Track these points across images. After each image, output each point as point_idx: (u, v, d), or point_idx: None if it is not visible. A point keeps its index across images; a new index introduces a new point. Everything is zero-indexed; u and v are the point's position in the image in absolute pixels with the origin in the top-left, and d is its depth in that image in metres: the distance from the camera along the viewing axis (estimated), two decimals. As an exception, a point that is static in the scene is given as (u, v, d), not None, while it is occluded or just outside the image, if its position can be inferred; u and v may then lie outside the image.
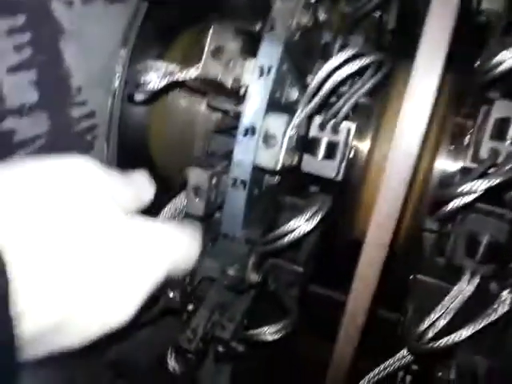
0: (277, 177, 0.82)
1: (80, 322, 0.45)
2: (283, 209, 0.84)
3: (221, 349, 0.80)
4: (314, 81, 0.61)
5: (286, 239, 0.61)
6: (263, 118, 0.67)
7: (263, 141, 0.64)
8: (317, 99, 0.63)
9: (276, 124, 0.63)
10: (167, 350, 1.16)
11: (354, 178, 0.97)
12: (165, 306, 0.78)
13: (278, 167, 0.64)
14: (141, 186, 0.60)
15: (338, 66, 0.62)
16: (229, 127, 1.04)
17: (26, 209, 0.41)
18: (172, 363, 1.03)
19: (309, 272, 0.94)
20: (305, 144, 0.73)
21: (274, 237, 0.64)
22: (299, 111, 0.63)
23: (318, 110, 0.71)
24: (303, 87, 0.84)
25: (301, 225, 0.60)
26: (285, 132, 0.63)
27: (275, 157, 0.63)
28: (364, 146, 0.98)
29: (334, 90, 0.68)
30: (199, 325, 0.88)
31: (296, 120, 0.63)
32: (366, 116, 0.90)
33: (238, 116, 0.83)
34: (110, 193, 0.50)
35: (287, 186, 0.92)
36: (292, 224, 0.60)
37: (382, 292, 0.59)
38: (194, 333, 0.87)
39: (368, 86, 0.67)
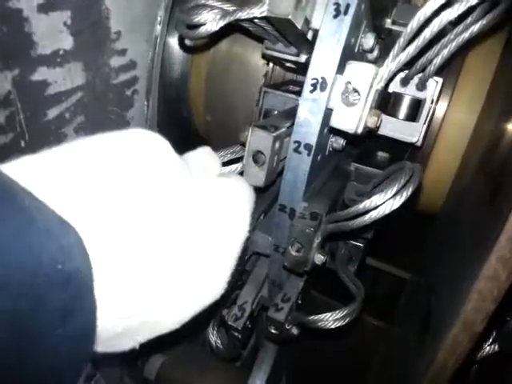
0: (342, 140, 0.71)
1: (172, 305, 0.42)
2: (350, 179, 0.72)
3: (273, 330, 0.72)
4: (411, 24, 0.48)
5: (368, 218, 0.51)
6: (336, 70, 0.55)
7: (342, 97, 0.52)
8: (413, 48, 0.50)
9: (360, 76, 0.50)
10: (204, 321, 1.11)
11: (426, 144, 0.85)
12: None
13: (360, 130, 0.52)
14: (207, 161, 0.58)
15: (442, 6, 0.49)
16: (287, 81, 0.92)
17: (103, 187, 0.39)
18: (213, 337, 0.97)
19: (369, 246, 0.84)
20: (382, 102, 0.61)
21: (351, 214, 0.53)
22: (389, 60, 0.51)
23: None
24: (379, 33, 0.71)
25: (386, 200, 0.49)
26: (371, 86, 0.50)
27: (358, 117, 0.51)
28: (439, 107, 0.85)
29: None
30: (247, 302, 0.81)
31: (386, 71, 0.51)
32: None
33: (302, 67, 0.71)
34: (181, 164, 0.48)
35: (352, 152, 0.81)
36: (376, 199, 0.49)
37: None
38: (242, 310, 0.80)
39: (475, 29, 0.54)
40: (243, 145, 0.62)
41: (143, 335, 0.43)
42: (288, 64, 0.77)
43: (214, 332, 0.97)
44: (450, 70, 0.81)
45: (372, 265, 1.64)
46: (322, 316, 0.65)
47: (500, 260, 0.34)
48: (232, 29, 0.88)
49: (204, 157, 0.58)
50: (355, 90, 0.51)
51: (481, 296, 0.36)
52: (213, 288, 0.47)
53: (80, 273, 0.34)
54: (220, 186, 0.51)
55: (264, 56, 0.85)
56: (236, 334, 0.79)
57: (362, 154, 0.77)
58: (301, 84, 0.59)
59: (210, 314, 0.94)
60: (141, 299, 0.39)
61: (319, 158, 0.66)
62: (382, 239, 1.04)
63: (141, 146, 0.44)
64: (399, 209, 0.50)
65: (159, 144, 0.46)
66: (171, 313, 0.43)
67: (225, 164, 0.64)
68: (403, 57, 0.50)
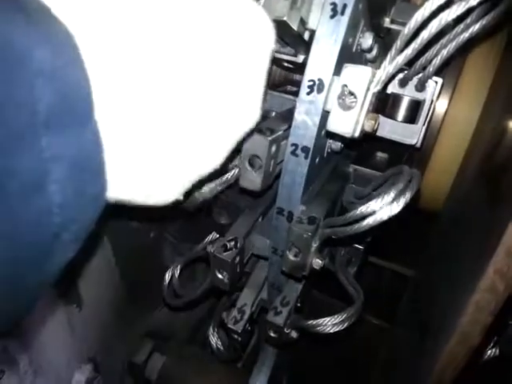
0: (340, 143, 0.70)
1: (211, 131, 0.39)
2: (348, 181, 0.71)
3: (273, 334, 0.71)
4: (408, 26, 0.47)
5: (365, 224, 0.50)
6: (333, 71, 0.54)
7: (338, 100, 0.51)
8: (410, 50, 0.49)
9: (357, 79, 0.49)
10: (203, 323, 1.10)
11: (426, 144, 0.84)
12: (212, 286, 0.70)
13: (357, 134, 0.51)
14: None
15: (440, 7, 0.47)
16: (285, 81, 0.91)
17: None
18: (214, 339, 0.97)
19: (368, 248, 0.83)
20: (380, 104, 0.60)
21: (348, 220, 0.52)
22: (387, 62, 0.50)
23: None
24: (378, 32, 0.70)
25: (384, 206, 0.48)
26: (368, 89, 0.49)
27: (354, 120, 0.50)
28: (438, 108, 0.84)
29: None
30: (246, 304, 0.80)
31: (383, 74, 0.50)
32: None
33: (299, 68, 0.70)
34: None
35: (351, 153, 0.80)
36: (373, 205, 0.48)
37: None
38: (242, 313, 0.79)
39: (475, 29, 0.52)
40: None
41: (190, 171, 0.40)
42: (286, 64, 0.76)
43: (215, 333, 0.97)
44: (450, 70, 0.80)
45: (374, 262, 1.63)
46: (320, 320, 0.64)
47: (498, 272, 0.33)
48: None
49: None
50: (352, 94, 0.50)
51: (478, 308, 0.35)
52: (251, 106, 0.44)
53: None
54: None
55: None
56: (236, 336, 0.79)
57: (360, 155, 0.76)
58: (299, 84, 0.58)
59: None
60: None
61: (317, 160, 0.65)
62: (385, 237, 1.04)
63: None
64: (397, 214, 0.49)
65: None
66: (213, 141, 0.41)
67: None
68: (401, 59, 0.49)
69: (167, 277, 0.85)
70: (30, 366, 0.75)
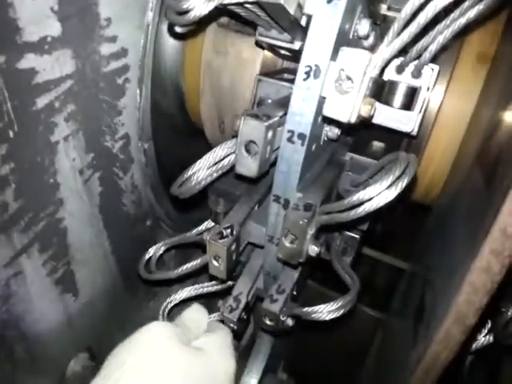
0: (337, 130, 0.70)
1: None
2: (345, 169, 0.71)
3: (269, 322, 0.71)
4: (405, 10, 0.47)
5: (362, 210, 0.50)
6: (330, 57, 0.54)
7: (335, 84, 0.51)
8: (407, 34, 0.49)
9: (354, 62, 0.49)
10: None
11: (422, 133, 0.84)
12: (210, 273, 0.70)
13: (354, 119, 0.51)
14: (197, 317, 0.79)
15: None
16: (281, 69, 0.91)
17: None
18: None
19: (364, 237, 0.83)
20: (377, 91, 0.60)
21: (345, 206, 0.52)
22: (383, 46, 0.50)
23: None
24: (375, 19, 0.70)
25: (381, 192, 0.48)
26: (364, 73, 0.49)
27: (351, 105, 0.50)
28: (434, 96, 0.84)
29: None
30: (242, 293, 0.80)
31: (380, 58, 0.49)
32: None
33: (295, 56, 0.70)
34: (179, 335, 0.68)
35: (347, 142, 0.80)
36: (370, 191, 0.48)
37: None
38: (237, 301, 0.79)
39: (472, 15, 0.52)
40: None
41: None
42: (282, 51, 0.75)
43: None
44: (446, 57, 0.79)
45: (370, 255, 1.64)
46: (316, 308, 0.65)
47: (493, 252, 0.34)
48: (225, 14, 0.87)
49: (194, 314, 0.79)
50: (348, 78, 0.50)
51: (473, 289, 0.35)
52: None
53: None
54: (215, 355, 0.69)
55: (258, 43, 0.84)
56: (231, 325, 0.79)
57: (357, 143, 0.76)
58: (295, 72, 0.58)
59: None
60: None
61: (313, 147, 0.65)
62: (380, 230, 1.04)
63: (155, 346, 0.64)
64: (394, 200, 0.49)
65: (164, 337, 0.66)
66: None
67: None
68: (398, 43, 0.49)
69: (149, 252, 0.87)
70: (26, 353, 0.75)
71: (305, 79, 0.56)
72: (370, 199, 0.49)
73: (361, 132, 0.78)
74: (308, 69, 0.56)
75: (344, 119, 0.51)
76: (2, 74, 0.57)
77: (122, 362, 0.62)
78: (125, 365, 0.61)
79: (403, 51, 0.59)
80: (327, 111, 0.52)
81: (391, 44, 0.49)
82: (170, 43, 0.91)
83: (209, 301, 1.04)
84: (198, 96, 0.99)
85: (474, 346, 0.63)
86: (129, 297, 0.99)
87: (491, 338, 0.64)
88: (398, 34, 0.49)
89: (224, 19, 0.87)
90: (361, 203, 0.50)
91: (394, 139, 0.75)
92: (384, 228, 1.09)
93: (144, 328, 0.67)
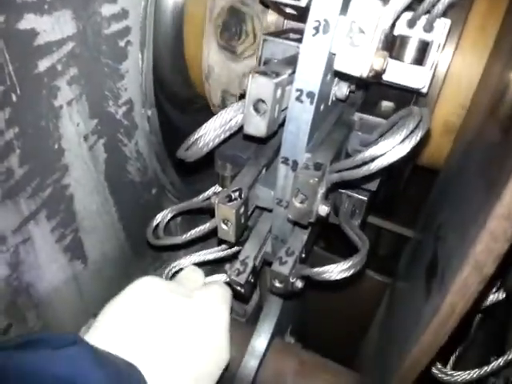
0: (345, 89, 0.68)
1: None
2: (353, 129, 0.70)
3: (278, 284, 0.72)
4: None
5: (374, 166, 0.49)
6: (340, 11, 0.52)
7: (346, 38, 0.49)
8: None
9: (366, 13, 0.47)
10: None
11: (431, 92, 0.82)
12: (219, 237, 0.70)
13: (366, 73, 0.49)
14: (193, 276, 0.84)
15: None
16: (287, 29, 0.88)
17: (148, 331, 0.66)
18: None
19: (372, 200, 0.83)
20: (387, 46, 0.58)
21: (356, 162, 0.51)
22: (397, -5, 0.48)
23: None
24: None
25: (395, 146, 0.47)
26: (377, 25, 0.48)
27: (363, 58, 0.48)
28: (444, 54, 0.82)
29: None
30: (249, 256, 0.80)
31: (392, 9, 0.48)
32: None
33: (300, 14, 0.68)
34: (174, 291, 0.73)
35: (355, 102, 0.79)
36: (383, 146, 0.47)
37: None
38: (244, 265, 0.79)
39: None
40: (244, 96, 0.60)
41: None
42: (288, 10, 0.73)
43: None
44: (456, 14, 0.77)
45: (375, 223, 1.64)
46: (326, 268, 0.65)
47: (514, 199, 0.33)
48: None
49: (189, 273, 0.84)
50: (360, 30, 0.48)
51: (493, 236, 0.35)
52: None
53: None
54: (204, 303, 0.74)
55: (262, 1, 0.81)
56: (239, 288, 0.79)
57: (365, 103, 0.75)
58: (301, 32, 0.56)
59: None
60: None
61: (322, 107, 0.64)
62: (386, 197, 1.03)
63: (150, 300, 0.70)
64: (406, 157, 0.49)
65: (159, 291, 0.71)
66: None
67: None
68: (412, -9, 0.47)
69: (157, 218, 0.88)
70: (38, 320, 0.75)
71: (314, 35, 0.55)
72: (383, 154, 0.48)
73: (370, 91, 0.77)
74: (317, 23, 0.54)
75: (356, 73, 0.49)
76: (2, 35, 0.55)
77: (109, 311, 0.68)
78: (110, 311, 0.67)
79: (414, 6, 0.57)
80: (339, 65, 0.51)
81: (404, -6, 0.47)
82: (171, 3, 0.89)
83: (213, 269, 1.05)
84: (200, 60, 0.97)
85: (484, 302, 0.64)
86: (136, 263, 1.00)
87: (501, 294, 0.64)
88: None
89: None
90: (373, 159, 0.49)
91: (404, 98, 0.74)
92: (390, 194, 1.08)
93: (134, 282, 0.72)
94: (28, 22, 0.58)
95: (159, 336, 0.66)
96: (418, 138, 0.47)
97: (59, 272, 0.77)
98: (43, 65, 0.62)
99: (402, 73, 0.61)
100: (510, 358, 0.61)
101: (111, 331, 0.65)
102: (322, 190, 0.58)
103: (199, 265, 0.89)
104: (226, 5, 0.89)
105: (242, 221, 0.69)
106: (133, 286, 0.72)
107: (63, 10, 0.63)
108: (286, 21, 0.88)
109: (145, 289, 0.71)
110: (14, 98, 0.60)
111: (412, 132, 0.47)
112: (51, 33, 0.62)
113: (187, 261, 0.88)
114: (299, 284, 0.73)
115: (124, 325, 0.66)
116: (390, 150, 0.47)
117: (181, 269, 0.88)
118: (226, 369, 0.76)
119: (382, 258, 1.72)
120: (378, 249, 1.77)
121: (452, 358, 0.79)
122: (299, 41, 0.67)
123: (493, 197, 0.35)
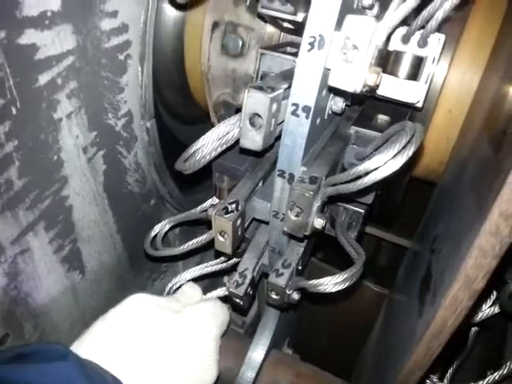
0: (341, 103, 0.69)
1: None
2: (349, 142, 0.71)
3: (274, 296, 0.72)
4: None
5: (368, 179, 0.49)
6: (335, 27, 0.53)
7: (340, 53, 0.50)
8: (412, 0, 0.48)
9: (359, 30, 0.48)
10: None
11: (427, 106, 0.83)
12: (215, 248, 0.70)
13: (360, 88, 0.50)
14: (190, 293, 0.85)
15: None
16: (284, 43, 0.90)
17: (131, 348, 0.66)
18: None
19: (369, 212, 0.83)
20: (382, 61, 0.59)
21: (351, 176, 0.52)
22: (389, 13, 0.49)
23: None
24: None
25: (387, 161, 0.48)
26: (370, 41, 0.48)
27: (356, 74, 0.49)
28: (439, 69, 0.83)
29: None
30: (247, 269, 0.81)
31: (386, 25, 0.49)
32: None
33: (297, 28, 0.69)
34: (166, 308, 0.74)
35: (351, 116, 0.79)
36: (376, 160, 0.48)
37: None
38: (243, 277, 0.79)
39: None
40: (240, 110, 0.60)
41: None
42: (285, 24, 0.74)
43: (216, 299, 0.98)
44: (451, 28, 0.78)
45: (375, 234, 1.64)
46: (322, 280, 0.65)
47: (502, 214, 0.33)
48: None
49: (188, 290, 0.85)
50: (354, 46, 0.49)
51: (482, 252, 0.35)
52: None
53: None
54: (192, 319, 0.75)
55: (260, 15, 0.82)
56: (238, 300, 0.79)
57: (361, 117, 0.75)
58: (298, 46, 0.57)
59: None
60: None
61: (318, 121, 0.64)
62: (384, 208, 1.04)
63: (139, 315, 0.71)
64: (399, 171, 0.49)
65: (149, 307, 0.73)
66: None
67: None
68: (404, 9, 0.48)
69: (155, 229, 0.88)
70: (35, 330, 0.76)
71: (309, 50, 0.55)
72: (376, 169, 0.49)
73: (366, 105, 0.77)
74: (312, 39, 0.55)
75: (350, 89, 0.50)
76: (3, 49, 0.56)
77: (97, 325, 0.69)
78: (98, 325, 0.68)
79: (409, 20, 0.58)
80: (333, 81, 0.51)
81: (397, 10, 0.48)
82: (171, 18, 0.90)
83: (213, 283, 1.06)
84: (201, 71, 0.98)
85: (479, 316, 0.64)
86: (134, 275, 1.00)
87: (496, 308, 0.64)
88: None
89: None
90: (367, 173, 0.50)
91: (400, 112, 0.75)
92: (388, 207, 1.09)
93: (126, 298, 0.73)
94: (29, 36, 0.59)
95: (144, 351, 0.67)
96: (411, 153, 0.47)
97: (57, 282, 0.77)
98: (43, 79, 0.64)
99: (396, 88, 0.62)
100: (505, 372, 0.61)
101: (97, 345, 0.66)
102: (317, 204, 0.59)
103: (200, 278, 0.90)
104: (224, 18, 0.90)
105: (239, 233, 0.70)
106: (124, 302, 0.73)
107: (63, 24, 0.64)
108: (283, 34, 0.89)
109: (135, 305, 0.72)
110: (13, 111, 0.61)
111: (404, 147, 0.48)
112: (51, 47, 0.63)
113: (187, 276, 0.89)
114: (296, 296, 0.73)
115: (110, 339, 0.67)
116: (383, 164, 0.48)
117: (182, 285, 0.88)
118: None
119: (381, 269, 1.71)
120: (378, 260, 1.77)
121: (449, 372, 0.79)
122: (296, 55, 0.68)
123: (482, 213, 0.36)
